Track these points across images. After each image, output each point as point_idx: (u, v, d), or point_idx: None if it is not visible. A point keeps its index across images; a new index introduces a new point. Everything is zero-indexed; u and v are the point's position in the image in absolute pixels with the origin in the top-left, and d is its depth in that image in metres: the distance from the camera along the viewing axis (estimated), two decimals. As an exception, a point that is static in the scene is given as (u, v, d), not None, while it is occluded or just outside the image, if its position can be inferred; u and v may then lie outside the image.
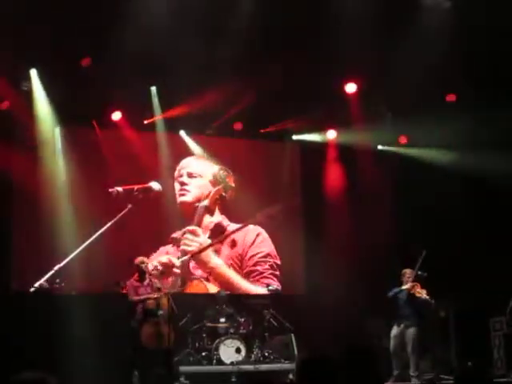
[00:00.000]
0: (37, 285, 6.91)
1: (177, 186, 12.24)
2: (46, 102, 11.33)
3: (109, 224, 7.70)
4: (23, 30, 9.60)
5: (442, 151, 12.66)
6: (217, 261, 12.06)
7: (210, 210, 12.04)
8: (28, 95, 11.21)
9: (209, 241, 11.92)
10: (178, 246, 12.01)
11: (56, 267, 7.08)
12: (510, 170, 11.28)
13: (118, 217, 7.86)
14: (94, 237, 7.62)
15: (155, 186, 8.43)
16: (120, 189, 8.27)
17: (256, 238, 12.40)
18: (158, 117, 12.13)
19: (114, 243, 10.49)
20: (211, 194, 12.00)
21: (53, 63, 10.58)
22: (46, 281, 6.98)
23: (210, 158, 12.70)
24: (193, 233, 11.90)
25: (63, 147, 11.65)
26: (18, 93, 11.20)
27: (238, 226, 12.18)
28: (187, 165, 12.37)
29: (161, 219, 11.98)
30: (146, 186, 8.38)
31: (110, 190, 8.35)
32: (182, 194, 12.10)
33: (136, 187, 8.31)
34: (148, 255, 11.02)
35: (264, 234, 12.44)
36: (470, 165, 11.87)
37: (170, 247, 12.03)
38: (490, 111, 10.96)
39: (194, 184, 12.24)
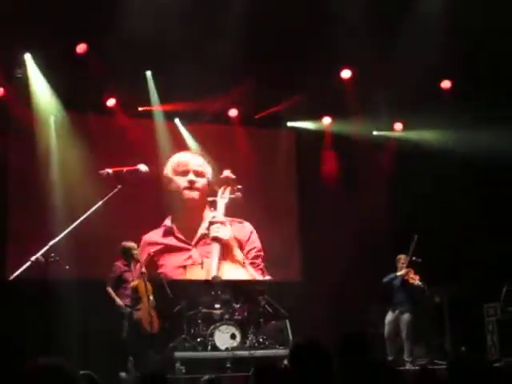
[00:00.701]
0: (33, 258, 7.12)
1: (182, 182, 12.57)
2: (41, 87, 11.28)
3: (100, 203, 8.01)
4: (17, 16, 9.54)
5: (439, 133, 12.65)
6: (237, 249, 12.66)
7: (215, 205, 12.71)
8: (22, 82, 11.14)
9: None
10: (173, 235, 12.30)
11: (51, 242, 7.33)
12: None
13: (108, 196, 8.34)
14: (87, 214, 7.88)
15: (143, 167, 8.95)
16: (110, 170, 8.74)
17: (251, 235, 12.85)
18: (155, 107, 12.17)
19: (108, 225, 10.64)
20: (228, 191, 12.64)
21: (47, 48, 10.53)
22: (42, 255, 7.20)
23: (204, 148, 12.76)
24: (223, 223, 12.55)
25: (58, 132, 11.62)
26: (12, 79, 11.15)
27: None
28: (189, 162, 12.70)
29: (155, 203, 12.12)
30: (134, 167, 8.91)
31: (101, 171, 8.71)
32: (192, 192, 12.61)
33: (125, 169, 8.75)
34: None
35: (254, 231, 12.90)
36: (467, 147, 11.88)
37: (155, 234, 12.18)
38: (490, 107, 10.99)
39: (201, 182, 12.70)
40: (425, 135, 12.91)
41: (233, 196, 12.61)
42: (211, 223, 12.50)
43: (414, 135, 13.10)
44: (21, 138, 11.22)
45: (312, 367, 3.63)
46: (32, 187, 11.20)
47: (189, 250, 12.37)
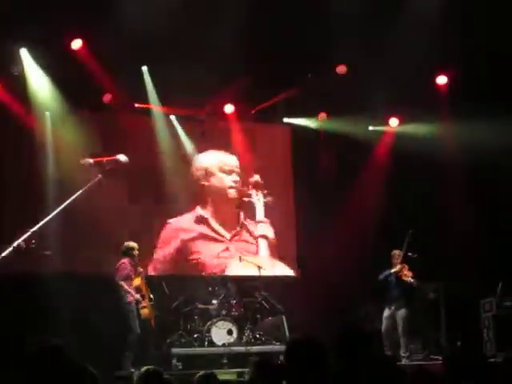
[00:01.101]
0: (15, 244, 7.34)
1: (227, 180, 12.81)
2: (38, 82, 11.22)
3: (80, 191, 8.43)
4: (12, 11, 9.52)
5: (435, 128, 12.63)
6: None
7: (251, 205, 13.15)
8: (19, 78, 11.09)
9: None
10: (208, 224, 12.55)
11: (32, 229, 7.59)
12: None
13: (87, 186, 8.59)
14: (66, 204, 8.36)
15: (122, 158, 9.13)
16: (91, 160, 8.99)
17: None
18: (151, 103, 12.14)
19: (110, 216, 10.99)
20: (261, 194, 13.02)
21: (43, 44, 10.49)
22: (23, 241, 7.42)
23: (201, 142, 12.78)
24: (266, 223, 12.97)
25: (55, 128, 11.59)
26: (9, 76, 11.10)
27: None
28: (233, 162, 12.96)
29: (154, 193, 12.18)
30: (113, 157, 9.08)
31: (82, 161, 9.08)
32: (235, 191, 12.94)
33: (105, 159, 8.98)
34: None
35: None
36: (464, 143, 11.88)
37: (185, 220, 12.39)
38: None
39: (239, 183, 12.99)
40: (421, 130, 12.88)
41: (266, 200, 12.94)
42: (258, 222, 12.90)
43: (409, 130, 13.07)
44: (17, 134, 11.19)
45: (307, 363, 3.63)
46: (29, 183, 11.20)
47: (223, 242, 12.56)
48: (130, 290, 10.03)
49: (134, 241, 10.57)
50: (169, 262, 11.91)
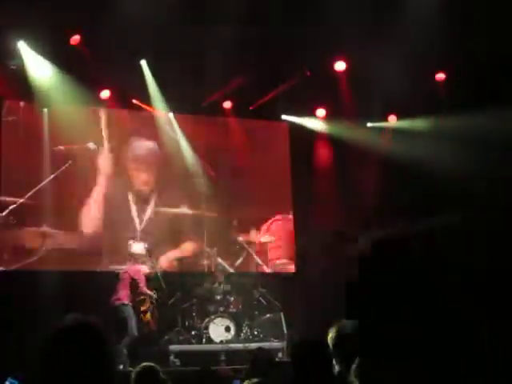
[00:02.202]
0: None
1: None
2: (36, 77, 11.19)
3: (51, 177, 9.23)
4: (9, 4, 9.51)
5: (432, 124, 12.63)
6: None
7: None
8: (16, 73, 11.05)
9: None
10: None
11: (10, 207, 8.09)
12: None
13: (59, 171, 9.45)
14: (40, 186, 9.14)
15: (91, 146, 10.10)
16: (62, 147, 9.81)
17: None
18: (151, 99, 12.13)
19: None
20: None
21: (41, 38, 10.46)
22: (3, 217, 8.04)
23: (199, 139, 12.75)
24: None
25: (52, 124, 11.56)
26: (6, 70, 11.06)
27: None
28: None
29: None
30: (83, 146, 10.06)
31: (55, 148, 9.80)
32: None
33: (75, 147, 9.89)
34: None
35: None
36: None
37: None
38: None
39: None
40: (418, 126, 12.88)
41: None
42: None
43: (408, 127, 13.06)
44: (14, 129, 11.15)
45: (313, 364, 3.65)
46: (25, 179, 11.17)
47: None
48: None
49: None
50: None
